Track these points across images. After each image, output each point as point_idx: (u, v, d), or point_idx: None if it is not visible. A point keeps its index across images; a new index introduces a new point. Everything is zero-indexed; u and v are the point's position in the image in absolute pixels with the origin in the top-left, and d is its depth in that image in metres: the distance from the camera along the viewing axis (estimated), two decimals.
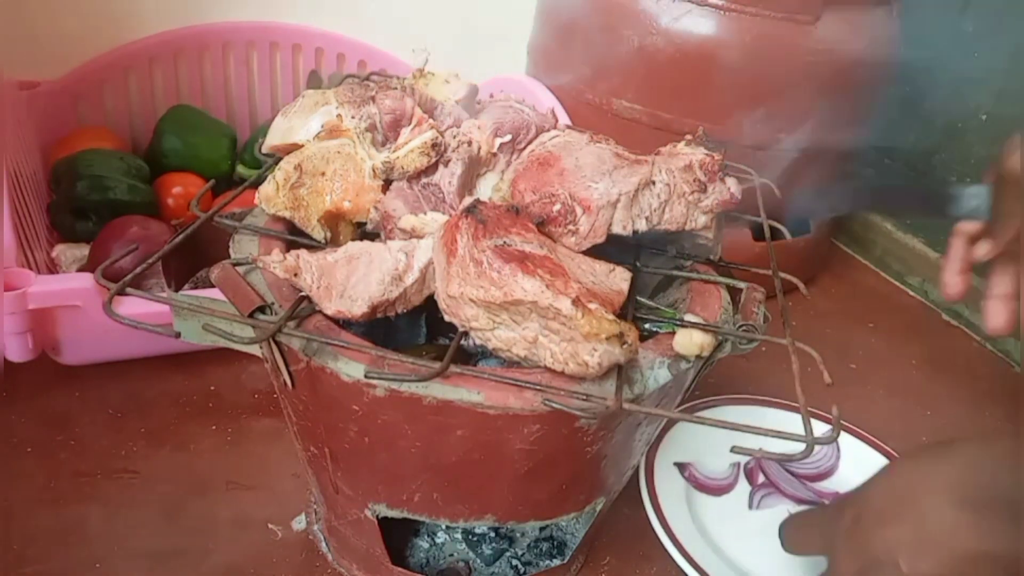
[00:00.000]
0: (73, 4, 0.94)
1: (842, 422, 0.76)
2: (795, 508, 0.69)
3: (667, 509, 0.64)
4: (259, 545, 0.59)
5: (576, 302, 0.39)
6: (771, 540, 0.59)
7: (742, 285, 0.52)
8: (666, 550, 0.61)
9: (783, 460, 0.71)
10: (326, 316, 0.44)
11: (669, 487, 0.67)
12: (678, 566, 0.60)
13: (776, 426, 0.74)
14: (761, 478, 0.70)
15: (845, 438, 0.74)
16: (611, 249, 0.50)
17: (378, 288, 0.44)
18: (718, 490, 0.70)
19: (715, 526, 0.66)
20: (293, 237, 0.52)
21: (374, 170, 0.52)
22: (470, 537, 0.60)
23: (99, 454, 0.65)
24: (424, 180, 0.53)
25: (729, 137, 0.82)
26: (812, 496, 0.70)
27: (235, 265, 0.47)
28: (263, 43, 1.03)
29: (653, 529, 0.62)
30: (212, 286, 0.47)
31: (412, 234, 0.49)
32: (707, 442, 0.68)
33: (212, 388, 0.73)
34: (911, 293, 1.06)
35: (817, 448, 0.67)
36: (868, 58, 0.86)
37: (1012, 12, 1.09)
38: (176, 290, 0.52)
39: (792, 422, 0.42)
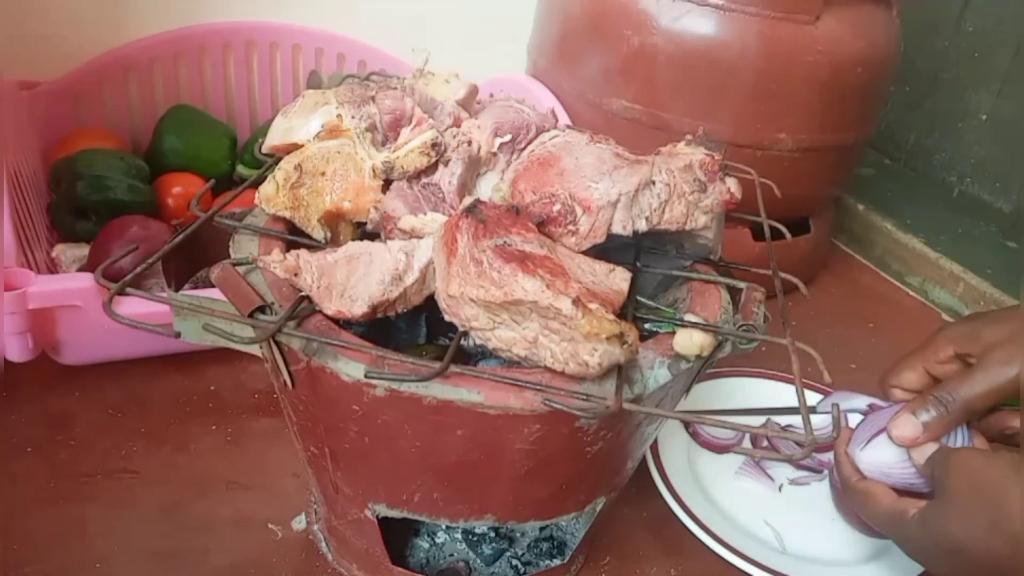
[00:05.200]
0: (73, 4, 0.94)
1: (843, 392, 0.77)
2: (794, 473, 0.72)
3: (667, 463, 0.68)
4: (259, 545, 0.59)
5: (576, 302, 0.39)
6: (762, 498, 0.69)
7: (742, 285, 0.52)
8: (672, 513, 0.64)
9: (784, 460, 0.72)
10: (326, 316, 0.44)
11: (672, 441, 0.71)
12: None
13: (777, 399, 0.76)
14: (764, 441, 0.73)
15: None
16: (611, 249, 0.50)
17: (378, 288, 0.44)
18: (720, 448, 0.72)
19: (711, 481, 0.69)
20: (293, 237, 0.52)
21: (374, 170, 0.52)
22: (470, 537, 0.60)
23: (99, 454, 0.65)
24: (424, 180, 0.53)
25: (729, 137, 0.82)
26: (812, 463, 0.72)
27: (235, 265, 0.47)
28: (263, 43, 1.03)
29: (650, 473, 0.67)
30: (212, 286, 0.47)
31: (412, 234, 0.49)
32: (715, 406, 0.74)
33: (212, 388, 0.73)
34: (911, 293, 1.06)
35: (819, 421, 0.69)
36: (868, 58, 0.86)
37: (1012, 11, 1.09)
38: (176, 290, 0.52)
39: (793, 395, 0.44)
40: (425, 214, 0.50)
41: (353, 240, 0.50)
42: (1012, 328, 0.53)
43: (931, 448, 0.52)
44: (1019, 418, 0.53)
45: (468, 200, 0.46)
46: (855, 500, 0.55)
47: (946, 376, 0.56)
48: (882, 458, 0.55)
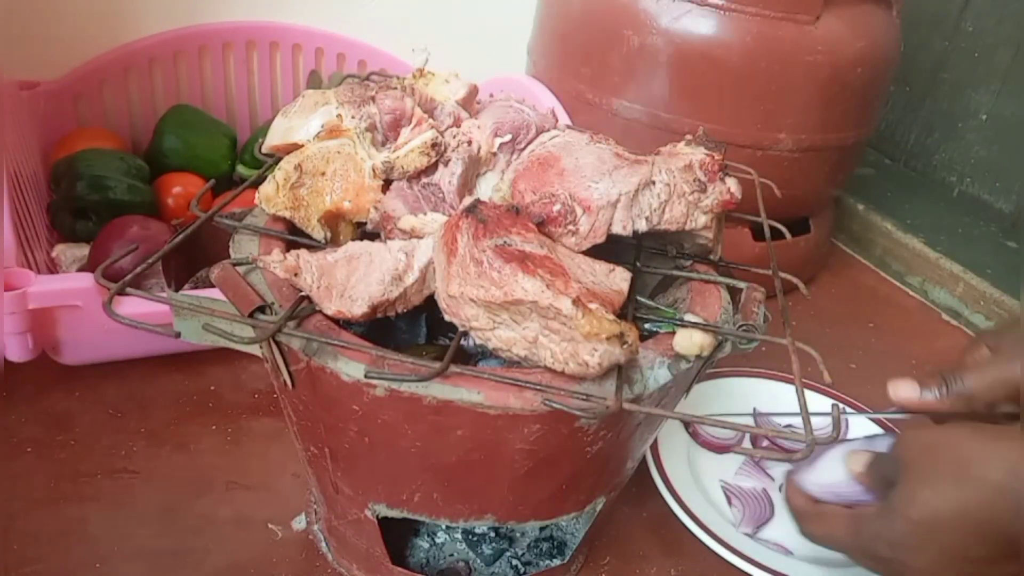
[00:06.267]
0: (73, 4, 0.94)
1: (843, 395, 0.77)
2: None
3: (667, 463, 0.68)
4: (259, 545, 0.59)
5: (576, 302, 0.39)
6: None
7: (742, 285, 0.52)
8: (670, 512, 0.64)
9: (785, 460, 0.72)
10: (326, 316, 0.44)
11: (672, 441, 0.71)
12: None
13: (779, 399, 0.76)
14: (764, 441, 0.73)
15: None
16: (611, 249, 0.50)
17: (378, 288, 0.44)
18: (720, 448, 0.72)
19: (711, 481, 0.69)
20: (293, 237, 0.52)
21: (374, 170, 0.52)
22: (470, 537, 0.60)
23: (99, 454, 0.65)
24: (424, 180, 0.53)
25: (729, 137, 0.82)
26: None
27: (235, 265, 0.47)
28: (263, 43, 1.03)
29: (650, 473, 0.67)
30: (212, 286, 0.47)
31: (412, 234, 0.49)
32: (715, 406, 0.74)
33: (212, 388, 0.73)
34: (911, 293, 1.06)
35: (821, 421, 0.69)
36: (868, 58, 0.86)
37: (1012, 11, 1.09)
38: (176, 290, 0.52)
39: (793, 395, 0.45)
40: (425, 214, 0.50)
41: (353, 240, 0.50)
42: None
43: (864, 457, 0.52)
44: None
45: (468, 200, 0.46)
46: (812, 527, 0.54)
47: None
48: (828, 478, 0.54)
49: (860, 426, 0.75)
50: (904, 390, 0.54)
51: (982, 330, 0.58)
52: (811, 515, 0.53)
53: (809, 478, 0.55)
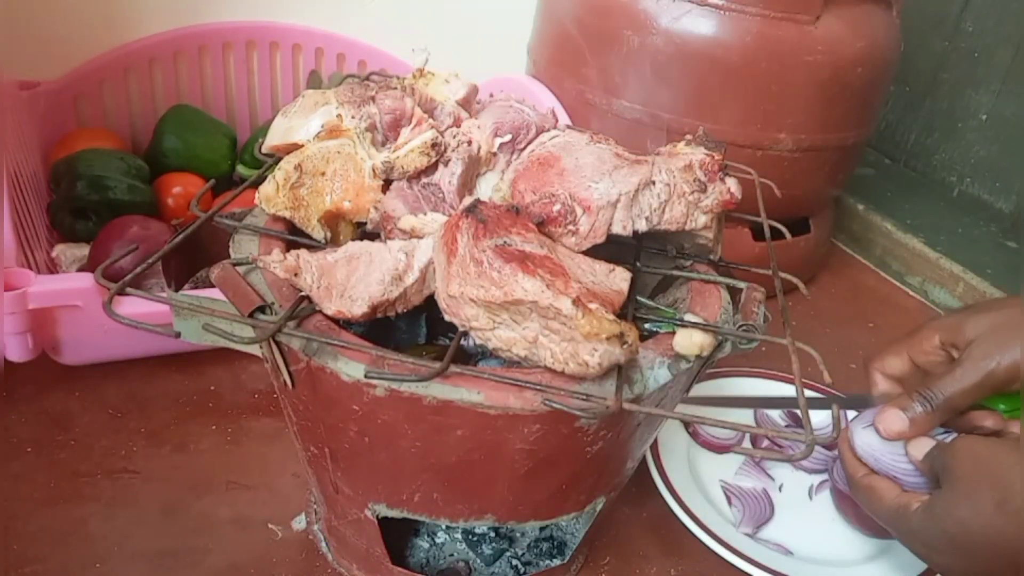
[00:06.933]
0: (73, 4, 0.94)
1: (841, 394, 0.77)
2: (794, 473, 0.71)
3: (667, 463, 0.68)
4: (259, 545, 0.59)
5: (576, 302, 0.39)
6: None
7: (742, 285, 0.52)
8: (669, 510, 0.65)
9: (785, 460, 0.72)
10: (326, 316, 0.44)
11: (672, 441, 0.71)
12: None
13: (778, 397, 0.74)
14: (765, 441, 0.73)
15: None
16: (611, 249, 0.50)
17: (378, 288, 0.44)
18: (720, 448, 0.72)
19: (711, 481, 0.69)
20: (293, 237, 0.52)
21: (374, 170, 0.52)
22: (470, 537, 0.60)
23: (99, 454, 0.65)
24: (424, 180, 0.53)
25: (729, 137, 0.82)
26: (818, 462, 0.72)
27: (235, 265, 0.47)
28: (263, 43, 1.03)
29: (650, 473, 0.67)
30: (212, 286, 0.47)
31: (412, 234, 0.49)
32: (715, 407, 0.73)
33: (212, 388, 0.73)
34: (911, 293, 1.06)
35: (823, 418, 0.69)
36: (868, 58, 0.86)
37: (1012, 11, 1.09)
38: (176, 290, 0.52)
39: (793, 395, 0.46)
40: (425, 214, 0.50)
41: (353, 240, 0.50)
42: (994, 320, 0.53)
43: (927, 444, 0.53)
44: (991, 418, 0.54)
45: (468, 200, 0.46)
46: (860, 496, 0.56)
47: (929, 366, 0.56)
48: (878, 442, 0.55)
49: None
50: (893, 423, 0.54)
51: (933, 318, 0.58)
52: (861, 485, 0.55)
53: (865, 437, 0.56)
